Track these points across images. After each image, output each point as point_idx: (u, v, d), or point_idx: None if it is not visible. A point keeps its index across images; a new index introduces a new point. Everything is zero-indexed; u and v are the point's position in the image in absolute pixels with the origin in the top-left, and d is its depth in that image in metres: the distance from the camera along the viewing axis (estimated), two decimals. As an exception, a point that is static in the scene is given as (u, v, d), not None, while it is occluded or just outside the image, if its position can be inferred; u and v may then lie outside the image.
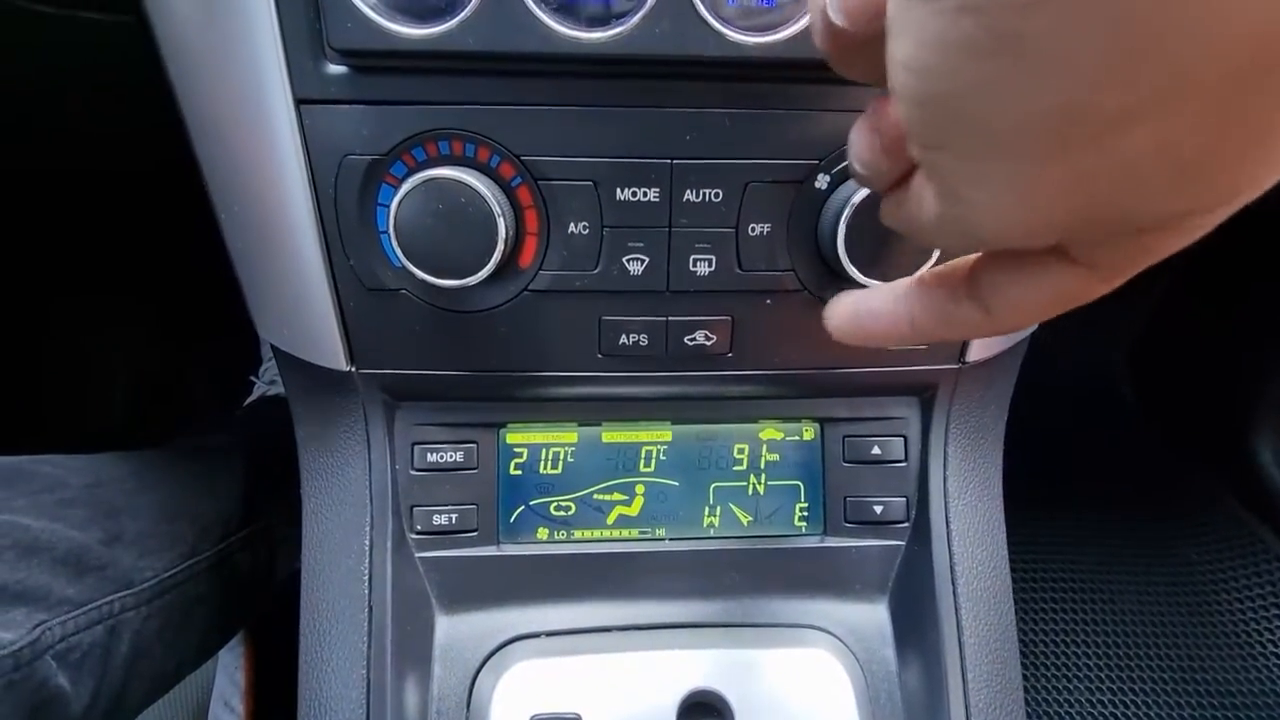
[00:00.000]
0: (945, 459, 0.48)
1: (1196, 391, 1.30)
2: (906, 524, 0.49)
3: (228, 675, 0.96)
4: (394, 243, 0.37)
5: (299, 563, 0.84)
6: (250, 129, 0.37)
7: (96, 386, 1.24)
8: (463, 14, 0.33)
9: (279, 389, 1.13)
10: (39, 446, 1.14)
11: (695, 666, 0.44)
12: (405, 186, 0.36)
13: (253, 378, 1.19)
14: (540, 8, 0.34)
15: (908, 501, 0.49)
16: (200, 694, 0.95)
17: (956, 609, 0.45)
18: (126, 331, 1.28)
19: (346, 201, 0.38)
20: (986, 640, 0.45)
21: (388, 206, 0.37)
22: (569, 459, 0.48)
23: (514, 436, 0.48)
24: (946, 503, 0.47)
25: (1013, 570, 0.48)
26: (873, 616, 0.48)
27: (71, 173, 0.86)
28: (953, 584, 0.46)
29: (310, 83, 0.36)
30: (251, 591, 0.74)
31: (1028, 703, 0.79)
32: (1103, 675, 1.05)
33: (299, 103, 0.36)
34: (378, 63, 0.35)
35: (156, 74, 0.40)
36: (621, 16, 0.34)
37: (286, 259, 0.40)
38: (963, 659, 0.44)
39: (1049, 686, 1.03)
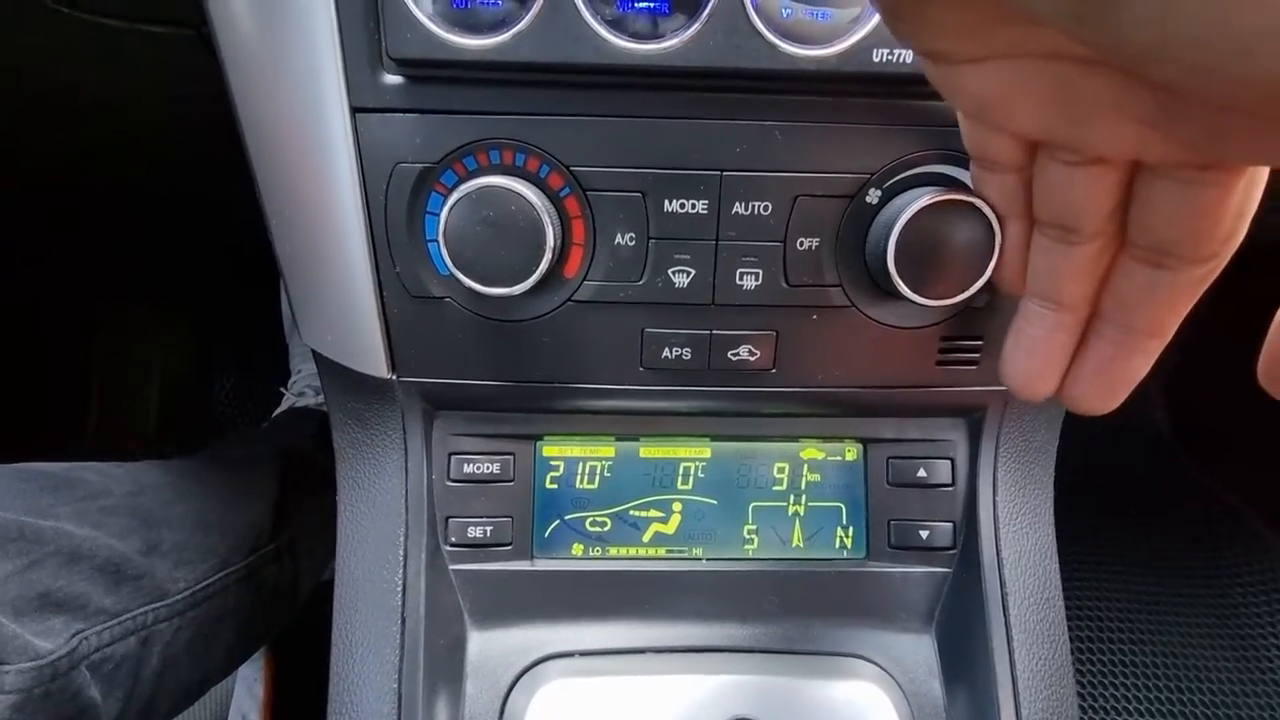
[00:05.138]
0: (995, 483, 0.46)
1: (1235, 425, 1.26)
2: (954, 550, 0.47)
3: (246, 688, 0.95)
4: (442, 249, 0.37)
5: (323, 577, 0.84)
6: (306, 136, 0.38)
7: (133, 393, 1.26)
8: (519, 26, 0.34)
9: (307, 401, 1.14)
10: (80, 446, 1.16)
11: (735, 693, 0.43)
12: (457, 194, 0.36)
13: (281, 389, 1.20)
14: (595, 20, 0.34)
15: (955, 527, 0.47)
16: (218, 707, 0.94)
17: (1009, 641, 0.43)
18: (162, 342, 1.31)
19: (396, 208, 0.39)
20: (1042, 675, 0.43)
21: (437, 215, 0.38)
22: (606, 474, 0.48)
23: (550, 449, 0.47)
24: (997, 529, 0.46)
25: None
26: (918, 647, 0.46)
27: (120, 186, 0.89)
28: (1005, 615, 0.44)
29: (366, 92, 0.37)
30: (277, 605, 0.74)
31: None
32: (1144, 718, 1.01)
33: (354, 111, 0.37)
34: (434, 72, 0.36)
35: (211, 90, 0.41)
36: (676, 29, 0.34)
37: (334, 264, 0.40)
38: (1016, 695, 0.42)
39: (1090, 731, 0.99)
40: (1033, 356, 0.28)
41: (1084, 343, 0.28)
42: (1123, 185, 0.24)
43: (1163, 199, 0.23)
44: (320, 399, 1.13)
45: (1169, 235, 0.24)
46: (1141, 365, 0.27)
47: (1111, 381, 0.27)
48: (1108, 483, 1.27)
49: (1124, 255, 0.25)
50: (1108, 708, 1.02)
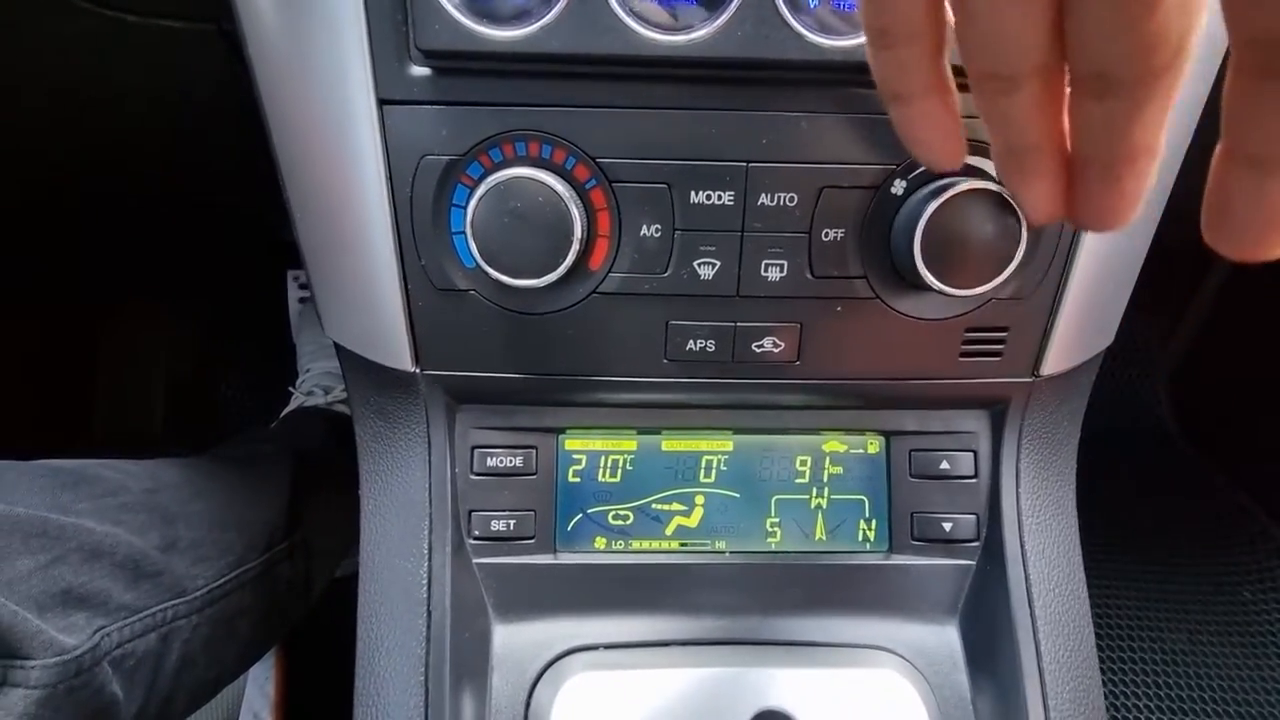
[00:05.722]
0: (1018, 475, 0.46)
1: (1242, 422, 1.26)
2: (977, 543, 0.47)
3: (257, 686, 0.95)
4: (469, 241, 0.37)
5: (336, 573, 0.84)
6: (332, 129, 0.38)
7: (139, 394, 1.26)
8: (547, 17, 0.34)
9: (315, 400, 1.14)
10: (86, 446, 1.15)
11: (761, 685, 0.43)
12: (483, 186, 0.36)
13: (290, 388, 1.20)
14: (623, 11, 0.34)
15: (978, 519, 0.47)
16: (230, 705, 0.94)
17: (1035, 633, 0.43)
18: (168, 342, 1.31)
19: (422, 201, 0.39)
20: (1067, 666, 0.43)
21: (463, 207, 0.38)
22: (628, 467, 0.48)
23: (573, 443, 0.47)
24: (1020, 521, 0.46)
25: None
26: (942, 639, 0.46)
27: (125, 185, 0.89)
28: (1030, 606, 0.44)
29: (393, 84, 0.37)
30: (291, 603, 0.74)
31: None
32: (1153, 718, 1.01)
33: (381, 103, 0.37)
34: (462, 64, 0.36)
35: (228, 86, 0.41)
36: (704, 20, 0.34)
37: (359, 258, 0.40)
38: (1043, 685, 0.42)
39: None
40: (1032, 188, 0.27)
41: (1074, 176, 0.26)
42: (1053, 6, 0.22)
43: (1094, 11, 0.21)
44: (329, 399, 1.13)
45: (1109, 53, 0.22)
46: (1139, 184, 0.25)
47: (1115, 208, 0.25)
48: (1114, 481, 1.27)
49: (1076, 95, 0.24)
50: (1117, 704, 1.02)
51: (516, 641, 0.45)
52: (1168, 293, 1.30)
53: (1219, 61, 0.39)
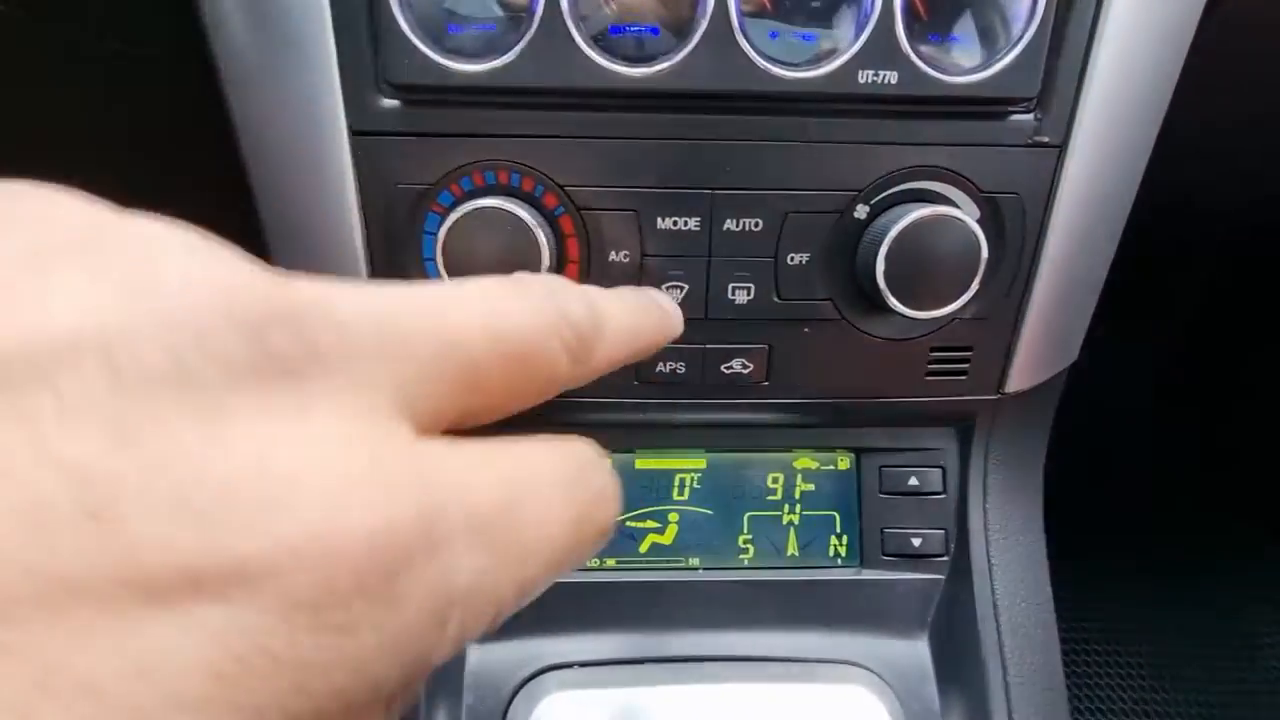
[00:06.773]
0: (985, 491, 0.47)
1: (1232, 433, 1.26)
2: (945, 557, 0.48)
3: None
4: (440, 269, 0.37)
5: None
6: (305, 158, 0.39)
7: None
8: (513, 51, 0.35)
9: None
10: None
11: (733, 702, 0.43)
12: (454, 215, 0.37)
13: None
14: (588, 45, 0.35)
15: (946, 534, 0.48)
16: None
17: (1000, 646, 0.44)
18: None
19: (394, 229, 0.39)
20: (1032, 680, 0.44)
21: (434, 234, 0.38)
22: (602, 486, 0.48)
23: (548, 462, 0.48)
24: (987, 536, 0.46)
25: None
26: (912, 653, 0.47)
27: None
28: (996, 620, 0.45)
29: (364, 115, 0.37)
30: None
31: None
32: (1139, 725, 1.01)
33: (353, 134, 0.38)
34: (431, 97, 0.37)
35: (205, 111, 0.41)
36: (667, 53, 0.35)
37: (333, 284, 0.41)
38: (1009, 699, 0.43)
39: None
40: None
41: None
42: None
43: None
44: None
45: None
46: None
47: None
48: (1104, 490, 1.27)
49: None
50: (1105, 709, 1.02)
51: (491, 660, 0.46)
52: (1158, 299, 1.31)
53: (1171, 87, 0.40)
